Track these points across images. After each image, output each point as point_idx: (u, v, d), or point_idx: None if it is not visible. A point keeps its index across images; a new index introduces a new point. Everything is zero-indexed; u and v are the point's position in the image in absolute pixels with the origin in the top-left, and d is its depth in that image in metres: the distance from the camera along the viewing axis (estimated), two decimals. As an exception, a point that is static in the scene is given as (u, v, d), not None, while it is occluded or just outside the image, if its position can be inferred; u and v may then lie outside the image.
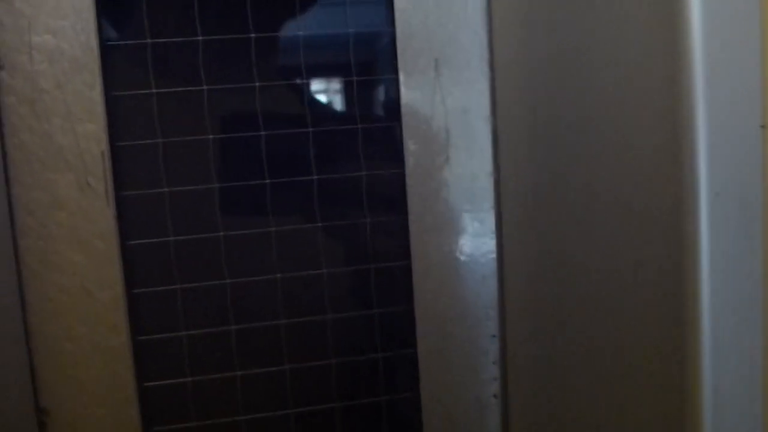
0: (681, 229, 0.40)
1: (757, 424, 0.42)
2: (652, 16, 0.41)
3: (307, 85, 0.53)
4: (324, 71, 0.54)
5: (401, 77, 0.52)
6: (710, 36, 0.39)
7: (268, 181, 0.51)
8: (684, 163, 0.39)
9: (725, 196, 0.39)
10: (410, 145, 0.53)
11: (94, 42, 0.48)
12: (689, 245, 0.40)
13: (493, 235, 0.55)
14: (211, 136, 0.50)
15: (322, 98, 0.54)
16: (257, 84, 0.51)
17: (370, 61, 0.53)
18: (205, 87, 0.50)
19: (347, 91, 0.53)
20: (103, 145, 0.48)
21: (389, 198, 0.54)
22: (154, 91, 0.50)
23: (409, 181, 0.53)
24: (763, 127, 0.40)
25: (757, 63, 0.40)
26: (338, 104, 0.54)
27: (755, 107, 0.40)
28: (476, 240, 0.54)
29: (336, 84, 0.54)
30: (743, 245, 0.40)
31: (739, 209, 0.40)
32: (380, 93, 0.54)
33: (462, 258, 0.55)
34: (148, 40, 0.49)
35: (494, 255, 0.55)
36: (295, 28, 0.51)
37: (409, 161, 0.53)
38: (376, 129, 0.54)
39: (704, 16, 0.38)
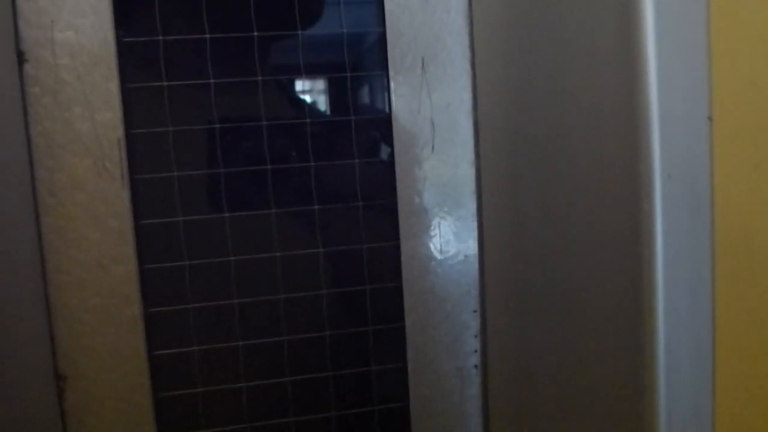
0: (638, 206, 0.45)
1: (707, 379, 0.48)
2: (614, 20, 0.46)
3: (305, 80, 0.58)
4: (320, 68, 0.58)
5: (391, 74, 0.56)
6: (663, 40, 0.44)
7: (269, 166, 0.56)
8: (641, 149, 0.45)
9: (676, 177, 0.45)
10: (399, 136, 0.57)
11: (111, 38, 0.52)
12: (645, 220, 0.45)
13: (475, 218, 0.59)
14: (217, 125, 0.55)
15: (318, 92, 0.59)
16: (260, 78, 0.55)
17: (363, 59, 0.58)
18: (212, 80, 0.55)
19: (342, 87, 0.58)
20: (119, 132, 0.52)
21: (380, 184, 0.58)
22: (166, 83, 0.54)
23: (398, 169, 0.57)
24: (710, 118, 0.46)
25: (705, 64, 0.46)
26: (334, 98, 0.59)
27: (703, 102, 0.46)
28: (459, 222, 0.59)
29: (331, 81, 0.58)
30: (693, 220, 0.46)
31: (690, 190, 0.45)
32: (372, 88, 0.59)
33: (446, 240, 0.59)
34: (160, 37, 0.54)
35: (475, 236, 0.60)
36: (294, 28, 0.56)
37: (398, 150, 0.57)
38: (368, 121, 0.58)
39: (657, 24, 0.43)
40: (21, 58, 0.51)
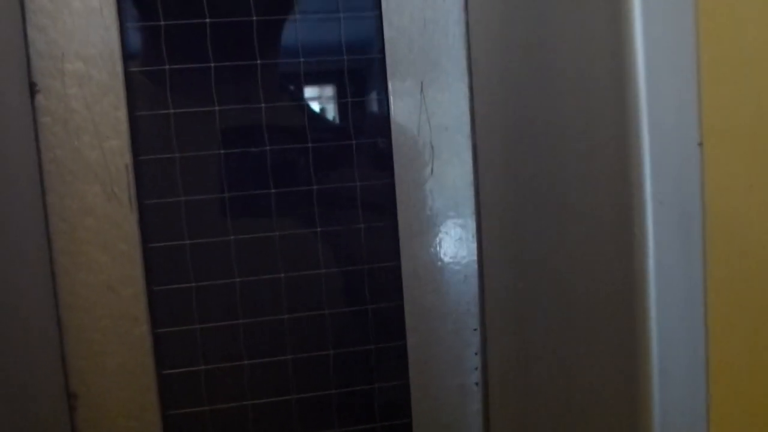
0: (630, 231, 0.46)
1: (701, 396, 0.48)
2: (606, 49, 0.47)
3: (307, 105, 0.59)
4: (321, 94, 0.60)
5: (391, 98, 0.57)
6: (653, 67, 0.45)
7: (273, 190, 0.57)
8: (632, 175, 0.45)
9: (668, 204, 0.46)
10: (399, 159, 0.58)
11: (119, 68, 0.54)
12: (637, 245, 0.46)
13: (474, 239, 0.60)
14: (222, 151, 0.56)
15: (320, 117, 0.60)
16: (263, 105, 0.57)
17: (363, 84, 0.59)
18: (216, 107, 0.56)
19: (342, 111, 0.59)
20: (127, 158, 0.54)
21: (380, 205, 0.60)
22: (172, 111, 0.56)
23: (398, 191, 0.58)
24: (700, 144, 0.46)
25: (695, 89, 0.46)
26: (335, 123, 0.60)
27: (694, 127, 0.46)
28: (459, 243, 0.60)
29: (332, 105, 0.60)
30: (684, 246, 0.46)
31: (680, 216, 0.46)
32: (372, 112, 0.60)
33: (446, 259, 0.60)
34: (167, 67, 0.55)
35: (475, 256, 0.60)
36: (296, 56, 0.57)
37: (398, 173, 0.58)
38: (369, 144, 0.60)
39: (647, 52, 0.44)
40: (33, 88, 0.53)
